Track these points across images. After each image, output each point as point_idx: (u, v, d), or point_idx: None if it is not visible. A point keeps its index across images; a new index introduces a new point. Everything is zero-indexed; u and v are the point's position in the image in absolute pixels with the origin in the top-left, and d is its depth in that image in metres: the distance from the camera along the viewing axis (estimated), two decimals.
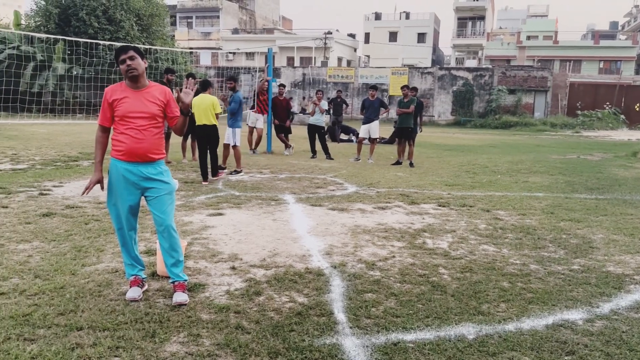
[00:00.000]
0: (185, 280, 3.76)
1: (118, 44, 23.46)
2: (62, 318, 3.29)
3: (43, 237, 5.10)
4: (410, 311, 3.58)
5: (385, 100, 36.29)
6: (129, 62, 3.57)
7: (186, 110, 3.71)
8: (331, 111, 17.99)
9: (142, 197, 3.74)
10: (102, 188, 3.80)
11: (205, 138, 8.86)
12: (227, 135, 10.03)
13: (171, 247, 3.70)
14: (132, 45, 3.73)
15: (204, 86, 9.14)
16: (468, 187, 9.01)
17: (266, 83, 13.51)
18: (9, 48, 27.03)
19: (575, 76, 38.11)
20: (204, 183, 8.62)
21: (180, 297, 3.60)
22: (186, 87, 3.75)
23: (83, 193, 3.75)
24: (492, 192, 8.49)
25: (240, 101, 9.97)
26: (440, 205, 7.30)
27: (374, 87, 12.70)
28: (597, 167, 12.30)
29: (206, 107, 8.64)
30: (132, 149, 3.58)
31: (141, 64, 3.61)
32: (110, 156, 3.70)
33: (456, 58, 53.73)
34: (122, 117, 3.59)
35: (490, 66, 40.89)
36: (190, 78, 10.12)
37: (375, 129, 12.57)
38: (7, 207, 6.33)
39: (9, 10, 38.06)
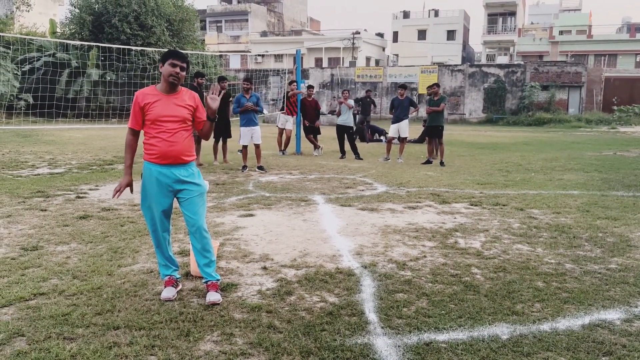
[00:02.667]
0: (218, 280, 3.82)
1: (150, 49, 23.85)
2: (100, 317, 3.38)
3: (80, 239, 5.24)
4: (443, 311, 3.55)
5: (415, 99, 36.04)
6: (179, 71, 3.67)
7: (212, 116, 3.79)
8: (359, 110, 17.93)
9: (175, 199, 3.81)
10: (132, 191, 3.90)
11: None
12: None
13: (203, 248, 3.76)
14: (186, 55, 3.84)
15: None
16: (501, 185, 8.88)
17: (295, 85, 13.61)
18: (45, 56, 27.84)
19: (611, 71, 37.11)
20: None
21: (213, 296, 3.66)
22: (212, 93, 3.81)
23: (113, 196, 3.83)
24: (526, 191, 8.35)
25: (238, 100, 10.29)
26: (472, 205, 7.22)
27: (403, 86, 12.59)
28: (635, 164, 11.96)
29: None
30: (165, 152, 3.65)
31: (184, 76, 3.73)
32: (143, 160, 3.77)
33: (487, 55, 52.97)
34: (153, 120, 3.66)
35: (522, 62, 40.18)
36: (220, 82, 10.43)
37: (404, 128, 12.48)
38: (45, 210, 6.52)
39: (45, 19, 39.21)
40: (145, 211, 3.80)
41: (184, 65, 3.69)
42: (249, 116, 10.31)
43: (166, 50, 3.80)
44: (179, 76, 3.67)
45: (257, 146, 10.42)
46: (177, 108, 3.69)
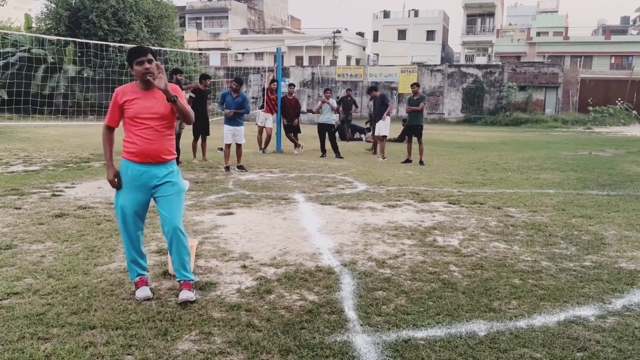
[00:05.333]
0: (192, 280, 3.76)
1: (128, 46, 23.59)
2: (75, 317, 3.33)
3: (56, 237, 5.15)
4: (421, 308, 3.58)
5: (395, 97, 36.24)
6: (147, 64, 3.55)
7: (169, 96, 3.55)
8: (341, 109, 17.96)
9: (152, 198, 3.76)
10: (119, 182, 3.74)
11: None
12: None
13: (178, 248, 3.70)
14: (148, 47, 3.72)
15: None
16: (479, 184, 8.97)
17: (275, 83, 13.56)
18: (20, 51, 27.31)
19: (587, 72, 37.78)
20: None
21: (185, 294, 3.60)
22: (157, 73, 3.60)
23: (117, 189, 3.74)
24: (503, 190, 8.45)
25: (223, 97, 10.24)
26: (450, 203, 7.28)
27: (374, 88, 13.36)
28: (609, 164, 12.20)
29: None
30: (144, 150, 3.60)
31: (155, 66, 3.60)
32: (121, 157, 3.72)
33: (466, 55, 53.49)
34: (132, 118, 3.60)
35: (500, 63, 40.66)
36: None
37: (380, 126, 12.64)
38: (20, 208, 6.40)
39: (20, 14, 38.45)
40: (118, 209, 3.74)
41: (150, 57, 3.57)
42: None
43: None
44: (151, 70, 3.56)
45: (238, 146, 10.34)
46: (156, 105, 3.62)
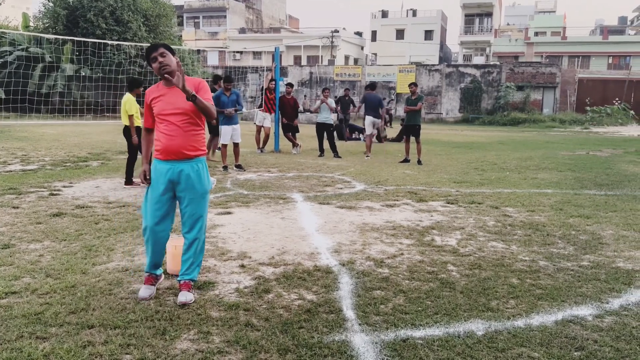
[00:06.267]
0: (193, 280, 3.75)
1: (125, 44, 23.47)
2: (74, 316, 3.32)
3: (54, 236, 5.15)
4: (419, 308, 3.59)
5: (393, 97, 36.27)
6: (160, 59, 3.52)
7: (188, 95, 3.48)
8: (338, 109, 17.97)
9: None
10: (147, 177, 3.75)
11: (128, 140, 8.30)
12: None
13: (196, 248, 3.71)
14: (161, 42, 3.73)
15: (130, 86, 8.26)
16: (476, 184, 8.99)
17: (273, 82, 13.54)
18: (18, 50, 27.27)
19: (584, 72, 37.84)
20: (125, 186, 8.11)
21: (185, 296, 3.59)
22: (177, 72, 3.58)
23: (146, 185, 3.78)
24: (501, 189, 8.47)
25: (217, 98, 9.96)
26: (448, 203, 7.29)
27: (371, 86, 13.43)
28: (607, 163, 12.22)
29: (122, 107, 8.09)
30: (166, 147, 3.57)
31: (173, 60, 3.56)
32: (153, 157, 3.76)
33: (464, 55, 53.54)
34: (157, 115, 3.62)
35: (498, 63, 40.71)
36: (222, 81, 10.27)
37: (367, 123, 13.14)
38: (18, 207, 6.39)
39: (17, 12, 38.39)
40: (144, 206, 3.73)
41: (161, 51, 3.54)
42: (225, 116, 10.17)
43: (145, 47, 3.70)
44: (165, 62, 3.52)
45: (236, 145, 10.35)
46: (178, 100, 3.57)
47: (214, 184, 3.96)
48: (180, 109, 3.57)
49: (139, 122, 8.00)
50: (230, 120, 10.17)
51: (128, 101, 8.06)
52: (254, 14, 60.04)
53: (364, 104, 13.03)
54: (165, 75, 3.53)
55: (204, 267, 4.36)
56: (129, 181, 8.17)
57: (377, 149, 14.69)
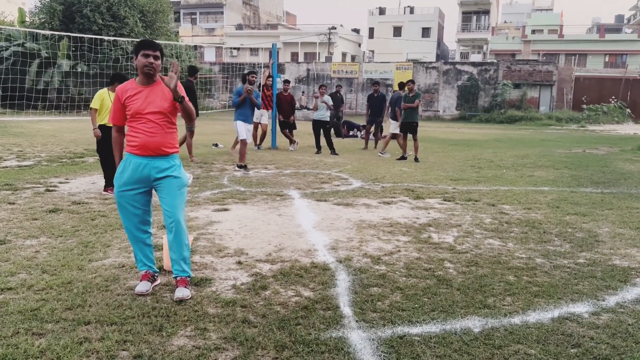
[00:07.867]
0: (189, 276, 3.76)
1: (122, 40, 23.36)
2: (70, 313, 3.32)
3: (50, 233, 5.13)
4: (416, 305, 3.59)
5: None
6: (152, 60, 3.60)
7: (177, 96, 3.62)
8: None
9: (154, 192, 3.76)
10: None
11: (106, 140, 7.00)
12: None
13: (179, 242, 3.70)
14: (159, 43, 3.74)
15: (112, 81, 7.26)
16: (473, 181, 9.00)
17: (270, 79, 13.51)
18: (14, 45, 27.11)
19: (581, 70, 37.90)
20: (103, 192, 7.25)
21: (182, 292, 3.60)
22: (171, 72, 3.64)
23: None
24: (498, 187, 8.48)
25: (238, 93, 9.71)
26: (445, 200, 7.30)
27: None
28: (603, 161, 12.25)
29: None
30: (145, 143, 3.60)
31: (159, 65, 3.66)
32: (125, 151, 3.73)
33: (461, 52, 53.58)
34: (133, 114, 3.63)
35: (495, 60, 40.72)
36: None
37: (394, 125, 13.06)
38: (14, 203, 6.37)
39: (13, 8, 38.18)
40: (119, 201, 3.71)
41: (157, 54, 3.63)
42: (247, 112, 9.77)
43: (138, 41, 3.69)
44: (153, 66, 3.61)
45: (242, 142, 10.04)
46: (156, 100, 3.63)
47: (191, 179, 3.98)
48: (159, 108, 3.64)
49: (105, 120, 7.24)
50: (246, 118, 9.81)
51: (99, 95, 7.24)
52: (251, 10, 59.90)
53: (395, 106, 12.80)
54: (147, 71, 3.60)
55: (201, 264, 4.36)
56: (110, 184, 7.03)
57: (374, 146, 14.70)
